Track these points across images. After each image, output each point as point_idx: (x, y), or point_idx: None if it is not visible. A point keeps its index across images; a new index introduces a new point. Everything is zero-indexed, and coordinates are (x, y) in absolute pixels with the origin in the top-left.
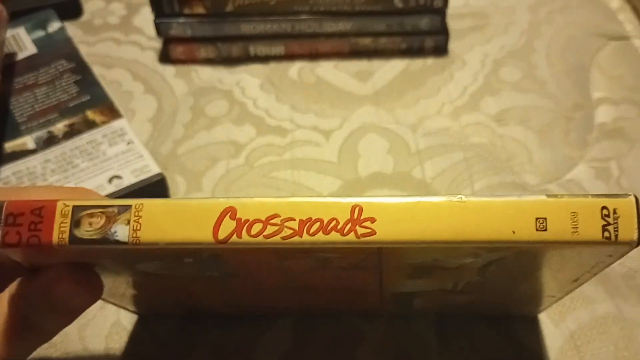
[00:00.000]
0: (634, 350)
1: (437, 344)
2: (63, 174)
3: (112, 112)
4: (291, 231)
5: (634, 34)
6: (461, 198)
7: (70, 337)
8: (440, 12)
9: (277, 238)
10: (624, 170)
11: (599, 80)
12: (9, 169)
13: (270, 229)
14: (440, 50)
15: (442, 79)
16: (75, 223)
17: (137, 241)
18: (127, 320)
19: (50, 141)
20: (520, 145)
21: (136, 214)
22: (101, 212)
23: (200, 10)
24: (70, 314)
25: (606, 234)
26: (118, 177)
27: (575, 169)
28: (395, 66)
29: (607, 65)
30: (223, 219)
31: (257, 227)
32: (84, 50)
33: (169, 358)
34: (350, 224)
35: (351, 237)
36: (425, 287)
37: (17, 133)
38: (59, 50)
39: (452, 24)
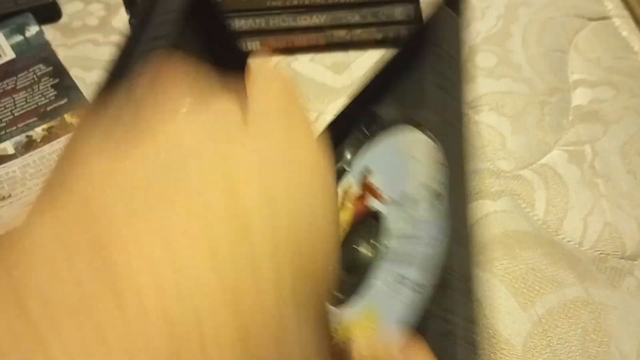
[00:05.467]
0: (602, 333)
1: None
2: (42, 177)
3: None
4: None
5: (614, 12)
6: None
7: None
8: (414, 0)
9: None
10: (597, 153)
11: (577, 62)
12: None
13: None
14: None
15: None
16: None
17: None
18: None
19: (29, 146)
20: (495, 131)
21: None
22: None
23: None
24: None
25: None
26: None
27: (550, 154)
28: (372, 56)
29: (586, 47)
30: None
31: None
32: (63, 53)
33: None
34: None
35: None
36: None
37: None
38: (36, 55)
39: (428, 11)
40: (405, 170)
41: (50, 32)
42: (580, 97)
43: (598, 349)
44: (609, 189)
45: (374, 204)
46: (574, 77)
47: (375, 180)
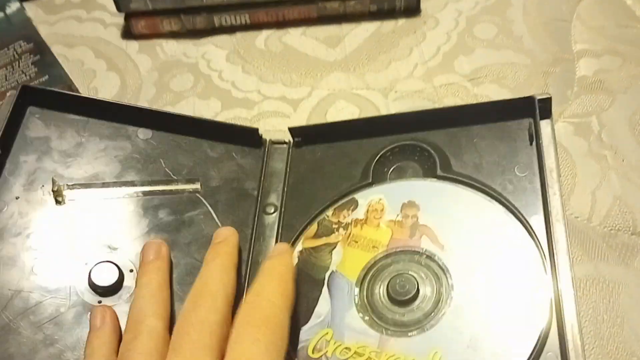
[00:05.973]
0: (614, 313)
1: None
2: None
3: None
4: None
5: None
6: None
7: None
8: None
9: None
10: (604, 125)
11: (580, 32)
12: None
13: None
14: (412, 10)
15: (414, 39)
16: None
17: None
18: None
19: None
20: None
21: None
22: None
23: None
24: None
25: None
26: None
27: (555, 126)
28: (366, 29)
29: (589, 15)
30: None
31: None
32: (45, 30)
33: None
34: None
35: None
36: None
37: None
38: (17, 32)
39: None
40: (481, 242)
41: (32, 9)
42: (585, 68)
43: (611, 329)
44: (618, 161)
45: (429, 246)
46: (577, 46)
47: (428, 223)
